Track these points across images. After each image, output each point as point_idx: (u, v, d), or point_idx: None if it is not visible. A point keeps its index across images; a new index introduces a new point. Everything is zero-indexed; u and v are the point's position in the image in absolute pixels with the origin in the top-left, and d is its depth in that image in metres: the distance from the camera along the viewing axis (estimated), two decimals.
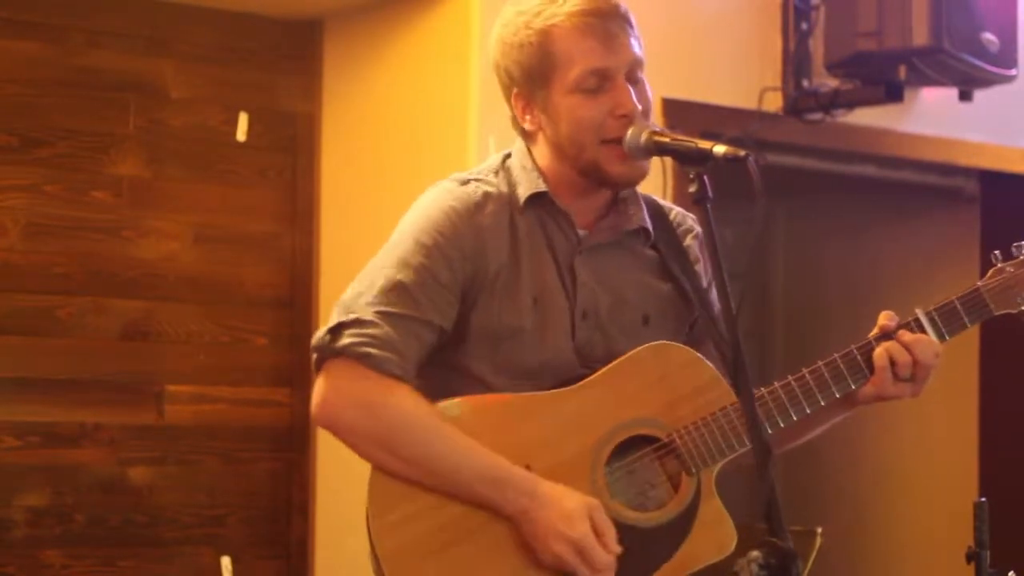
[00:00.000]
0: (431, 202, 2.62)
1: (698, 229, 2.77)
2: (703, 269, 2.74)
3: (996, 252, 2.65)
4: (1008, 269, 2.65)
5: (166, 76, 5.01)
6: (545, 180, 2.63)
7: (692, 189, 2.41)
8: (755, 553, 2.26)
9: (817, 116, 5.16)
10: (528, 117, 2.64)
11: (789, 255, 7.11)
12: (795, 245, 7.08)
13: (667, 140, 2.51)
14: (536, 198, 2.62)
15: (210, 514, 5.03)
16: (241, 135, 5.11)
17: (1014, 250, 2.66)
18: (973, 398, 6.16)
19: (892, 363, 2.61)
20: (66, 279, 4.83)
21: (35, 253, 4.80)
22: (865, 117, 5.24)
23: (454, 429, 2.52)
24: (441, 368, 2.59)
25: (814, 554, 3.81)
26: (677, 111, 4.85)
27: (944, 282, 6.15)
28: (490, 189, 2.63)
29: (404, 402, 2.51)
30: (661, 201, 2.79)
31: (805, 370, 2.61)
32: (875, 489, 6.63)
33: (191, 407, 4.99)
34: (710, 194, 2.41)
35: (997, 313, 2.66)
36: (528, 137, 2.68)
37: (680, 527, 2.56)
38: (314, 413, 2.57)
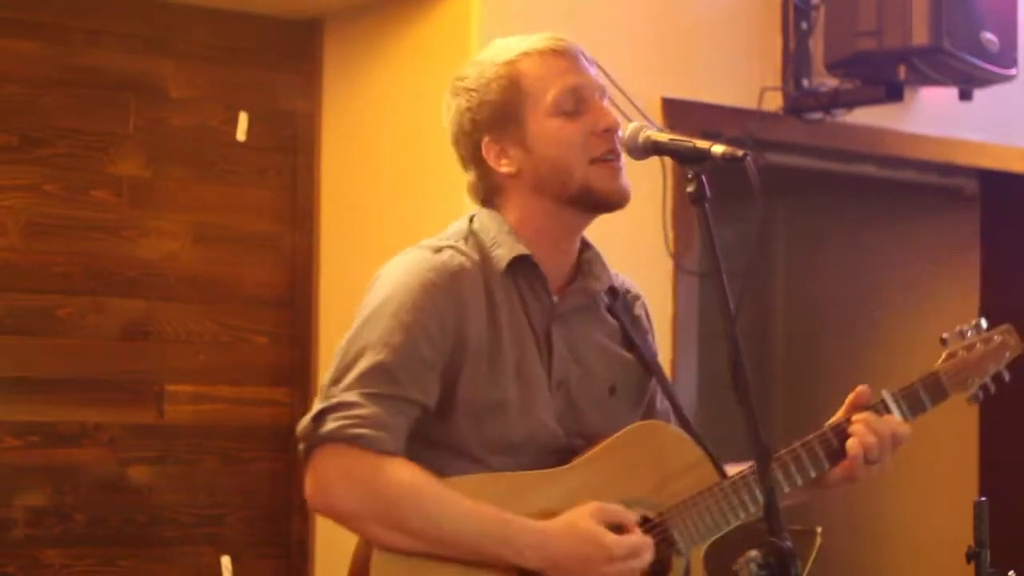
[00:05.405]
0: (407, 274, 2.53)
1: (644, 298, 2.77)
2: (650, 339, 2.75)
3: (944, 335, 2.79)
4: (961, 352, 2.80)
5: (166, 76, 5.01)
6: (522, 242, 2.59)
7: (690, 189, 2.41)
8: (754, 553, 2.26)
9: (817, 116, 5.16)
10: (504, 160, 2.60)
11: (789, 255, 7.11)
12: (795, 245, 7.08)
13: (665, 140, 2.50)
14: (517, 261, 2.58)
15: (210, 514, 5.03)
16: (241, 135, 5.10)
17: (959, 334, 2.79)
18: None
19: (864, 449, 2.64)
20: (66, 279, 4.83)
21: (35, 253, 4.80)
22: (865, 117, 5.24)
23: (454, 492, 2.47)
24: (427, 446, 2.52)
25: (814, 554, 3.81)
26: (677, 111, 4.85)
27: (944, 282, 6.15)
28: (464, 258, 2.56)
29: (401, 474, 2.45)
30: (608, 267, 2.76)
31: (783, 450, 2.63)
32: (875, 489, 6.62)
33: (191, 407, 4.99)
34: (708, 194, 2.41)
35: (953, 395, 2.79)
36: (498, 193, 2.63)
37: None
38: (311, 503, 2.49)
